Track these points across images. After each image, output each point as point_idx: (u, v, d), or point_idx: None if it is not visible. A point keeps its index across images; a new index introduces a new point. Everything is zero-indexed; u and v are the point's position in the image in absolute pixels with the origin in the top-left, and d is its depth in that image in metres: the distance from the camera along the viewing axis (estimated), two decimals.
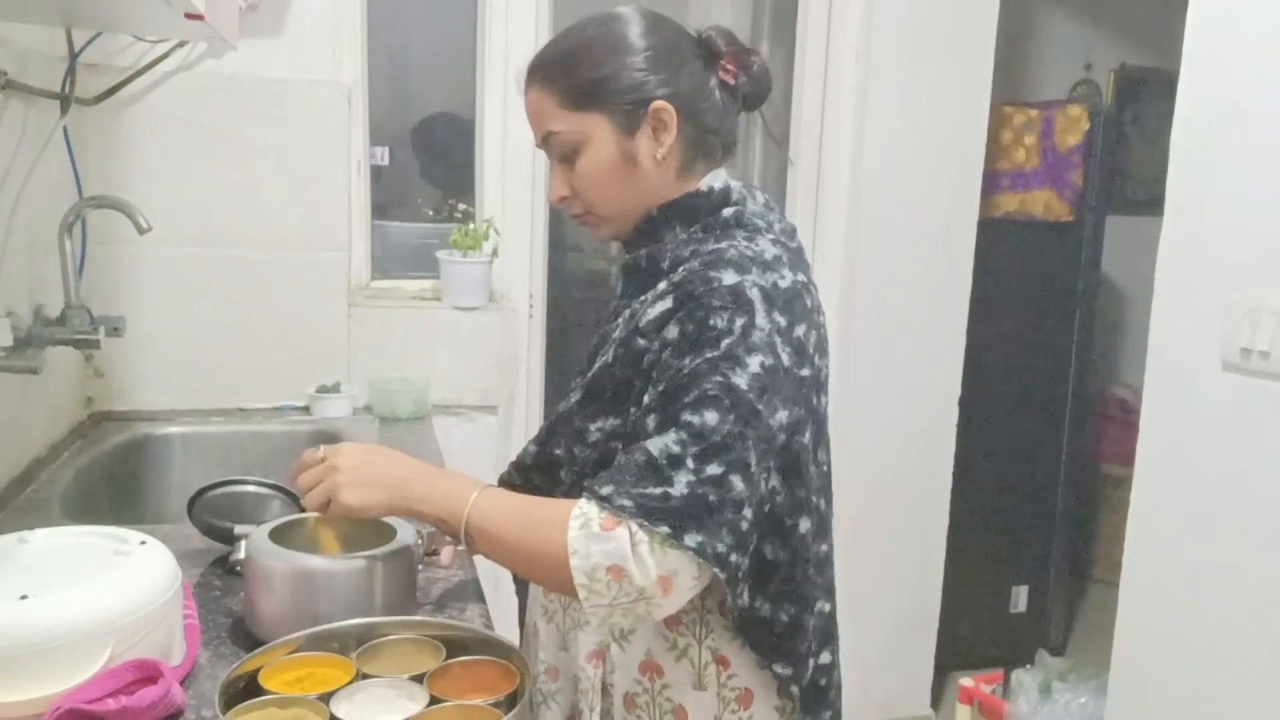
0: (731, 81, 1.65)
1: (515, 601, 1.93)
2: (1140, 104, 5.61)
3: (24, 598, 1.34)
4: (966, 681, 3.65)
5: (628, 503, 1.37)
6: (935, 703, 4.33)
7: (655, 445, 1.40)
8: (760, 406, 1.43)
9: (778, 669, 1.59)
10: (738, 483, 1.40)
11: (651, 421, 1.43)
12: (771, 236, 1.60)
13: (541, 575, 1.53)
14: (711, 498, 1.38)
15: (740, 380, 1.42)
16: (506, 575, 1.80)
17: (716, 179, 1.65)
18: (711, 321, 1.44)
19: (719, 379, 1.41)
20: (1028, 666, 3.52)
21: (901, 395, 3.94)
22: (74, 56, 2.65)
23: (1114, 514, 5.24)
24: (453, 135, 3.55)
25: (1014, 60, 4.97)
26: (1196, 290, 2.31)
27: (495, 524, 1.49)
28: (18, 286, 2.38)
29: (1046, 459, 4.72)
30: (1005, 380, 4.51)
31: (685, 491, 1.37)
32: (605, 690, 1.64)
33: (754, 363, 1.43)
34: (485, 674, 1.44)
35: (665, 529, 1.36)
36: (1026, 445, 4.66)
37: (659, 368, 1.47)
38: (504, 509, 1.51)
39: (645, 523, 1.36)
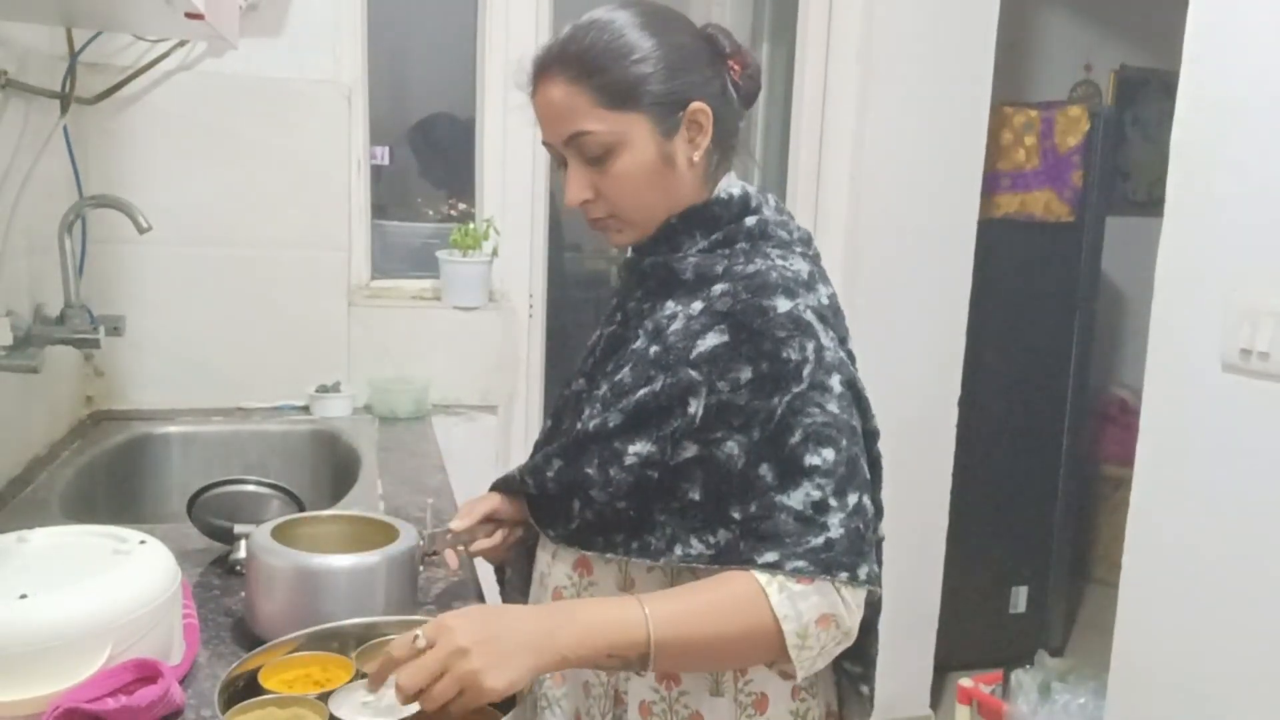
0: (738, 82, 1.64)
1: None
2: (1140, 104, 5.62)
3: (23, 597, 1.34)
4: (966, 682, 3.65)
5: (803, 564, 1.38)
6: (934, 703, 4.33)
7: (796, 499, 1.41)
8: (855, 423, 1.48)
9: (848, 666, 1.63)
10: (867, 502, 1.45)
11: (769, 473, 1.43)
12: (800, 250, 1.61)
13: (746, 656, 1.49)
14: (859, 526, 1.42)
15: (833, 406, 1.45)
16: None
17: (732, 184, 1.64)
18: (785, 354, 1.45)
19: (816, 410, 1.43)
20: (1027, 667, 3.52)
21: (901, 395, 3.93)
22: (74, 56, 2.65)
23: (1114, 514, 5.24)
24: (452, 135, 3.56)
25: (1014, 61, 4.97)
26: (1196, 291, 2.31)
27: (684, 628, 1.36)
28: (17, 286, 2.38)
29: (1046, 459, 4.72)
30: (1005, 380, 4.51)
31: (842, 531, 1.40)
32: (618, 698, 1.63)
33: (835, 383, 1.47)
34: None
35: (845, 574, 1.39)
36: (1026, 445, 4.66)
37: (738, 411, 1.46)
38: (686, 608, 1.39)
39: (828, 576, 1.38)
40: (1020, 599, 4.75)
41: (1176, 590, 2.37)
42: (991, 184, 4.24)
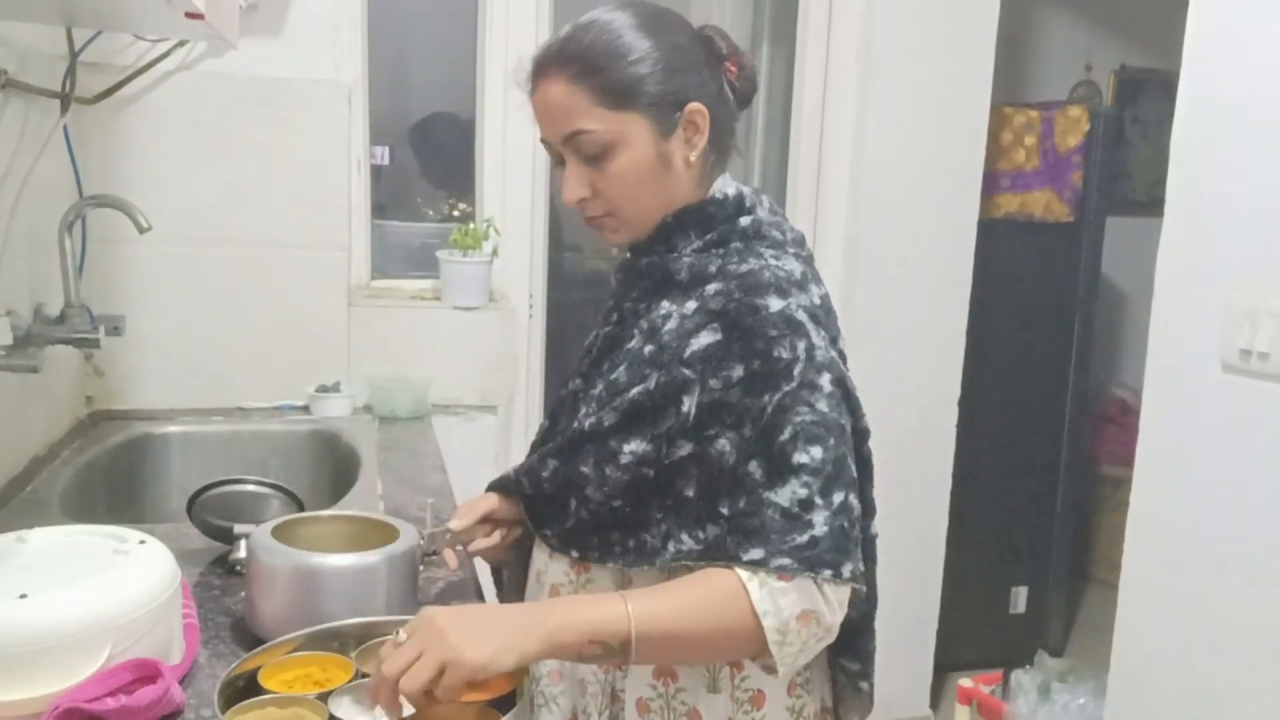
0: (735, 82, 1.64)
1: None
2: (1140, 105, 5.62)
3: (23, 597, 1.34)
4: (966, 682, 3.65)
5: (787, 561, 1.39)
6: (934, 703, 4.32)
7: (782, 496, 1.42)
8: (844, 422, 1.49)
9: (846, 663, 1.65)
10: (854, 500, 1.46)
11: (758, 470, 1.44)
12: (793, 250, 1.62)
13: (726, 651, 1.50)
14: (845, 524, 1.43)
15: (823, 405, 1.46)
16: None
17: (727, 185, 1.65)
18: (776, 353, 1.46)
19: (806, 408, 1.44)
20: (1027, 667, 3.53)
21: (901, 395, 3.93)
22: (74, 55, 2.65)
23: (1113, 515, 5.24)
24: (452, 135, 3.56)
25: (1014, 61, 4.97)
26: (1196, 291, 2.31)
27: (665, 621, 1.39)
28: (18, 285, 2.38)
29: (1046, 459, 4.72)
30: (1005, 381, 4.51)
31: (826, 529, 1.41)
32: (615, 695, 1.63)
33: (825, 382, 1.47)
34: None
35: (828, 572, 1.40)
36: (1026, 446, 4.66)
37: (730, 409, 1.47)
38: (667, 604, 1.41)
39: (811, 573, 1.39)
40: (1020, 599, 4.75)
41: (1176, 590, 2.37)
42: (991, 184, 4.24)
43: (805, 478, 1.41)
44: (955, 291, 4.01)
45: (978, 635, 4.55)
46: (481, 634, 1.29)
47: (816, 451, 1.42)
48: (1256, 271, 2.19)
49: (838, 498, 1.42)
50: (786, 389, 1.44)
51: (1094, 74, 5.51)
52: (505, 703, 1.36)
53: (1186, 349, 2.33)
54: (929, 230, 3.90)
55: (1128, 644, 2.51)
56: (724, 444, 1.46)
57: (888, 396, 3.90)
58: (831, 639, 1.46)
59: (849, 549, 1.42)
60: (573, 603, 1.48)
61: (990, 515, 4.55)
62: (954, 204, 3.94)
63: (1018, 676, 3.51)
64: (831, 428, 1.45)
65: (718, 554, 1.44)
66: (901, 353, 3.92)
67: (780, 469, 1.42)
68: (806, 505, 1.41)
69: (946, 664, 4.30)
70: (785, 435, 1.43)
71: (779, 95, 3.96)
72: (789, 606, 1.39)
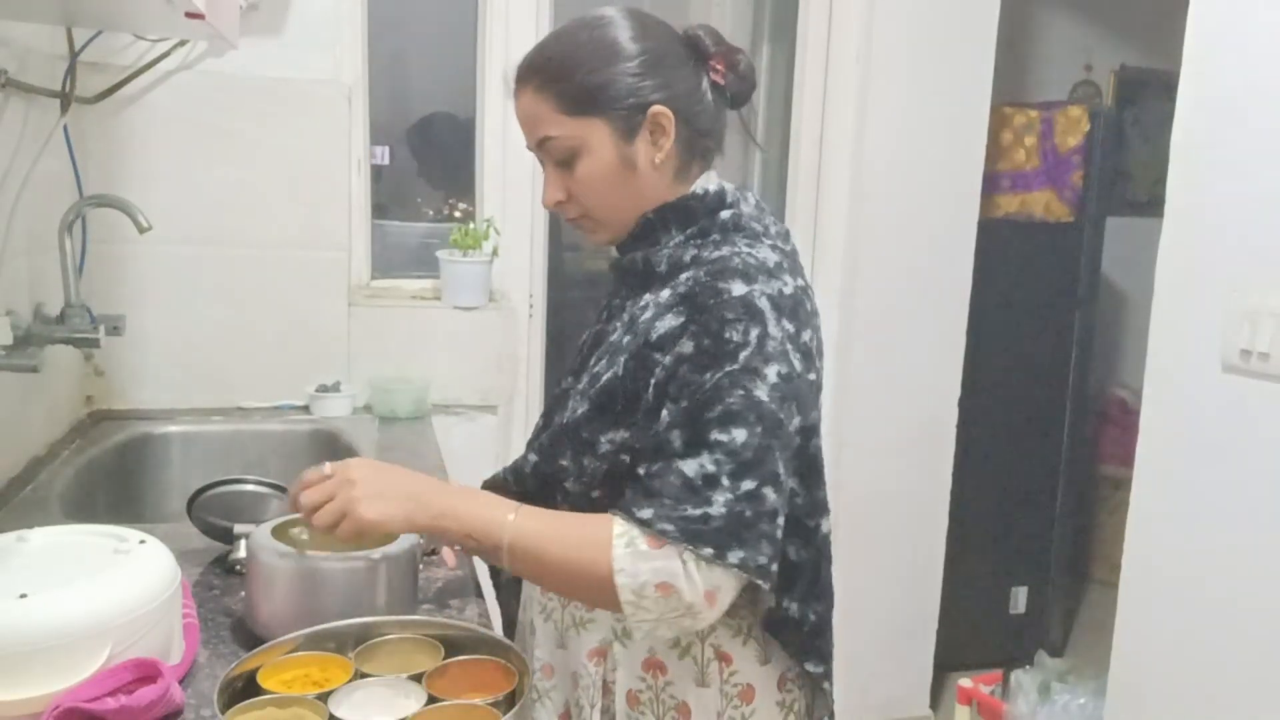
0: (721, 82, 1.65)
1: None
2: (1140, 105, 5.62)
3: (23, 596, 1.34)
4: (965, 682, 3.66)
5: (670, 527, 1.39)
6: (934, 703, 4.33)
7: (690, 467, 1.42)
8: (782, 415, 1.47)
9: (810, 667, 1.65)
10: (770, 494, 1.44)
11: (678, 439, 1.45)
12: (770, 242, 1.62)
13: (584, 592, 1.54)
14: (748, 513, 1.42)
15: (761, 392, 1.44)
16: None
17: (710, 181, 1.67)
18: (727, 335, 1.46)
19: (741, 393, 1.44)
20: (1027, 667, 3.53)
21: (902, 395, 3.95)
22: (74, 55, 2.65)
23: (1113, 515, 5.25)
24: (452, 135, 3.56)
25: (1014, 61, 4.97)
26: (1196, 291, 2.31)
27: (536, 543, 1.47)
28: (18, 285, 2.38)
29: (1046, 460, 4.72)
30: (1005, 381, 4.51)
31: (724, 511, 1.40)
32: (606, 688, 1.66)
33: (772, 373, 1.46)
34: (483, 673, 1.45)
35: (709, 550, 1.39)
36: (1026, 446, 4.65)
37: (675, 382, 1.48)
38: (544, 528, 1.49)
39: (690, 546, 1.39)
40: (1020, 599, 4.74)
41: (1176, 591, 2.38)
42: (992, 184, 4.25)
43: (718, 455, 1.42)
44: (956, 291, 4.01)
45: (978, 635, 4.55)
46: (381, 496, 1.50)
47: (739, 434, 1.42)
48: (1257, 271, 2.19)
49: (747, 485, 1.42)
50: (729, 369, 1.44)
51: (1094, 74, 5.51)
52: (505, 701, 1.37)
53: (1187, 349, 2.33)
54: (929, 230, 3.91)
55: (1127, 644, 2.51)
56: (665, 415, 1.47)
57: (888, 396, 3.93)
58: (700, 624, 1.46)
59: (745, 537, 1.41)
60: (469, 496, 1.57)
61: (990, 515, 4.55)
62: (954, 204, 3.94)
63: (1018, 677, 3.52)
64: (764, 417, 1.44)
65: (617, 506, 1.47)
66: (902, 352, 3.93)
67: (697, 442, 1.43)
68: (710, 482, 1.41)
69: (946, 664, 4.31)
70: (714, 413, 1.43)
71: (779, 95, 3.96)
72: (648, 573, 1.39)
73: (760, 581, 1.44)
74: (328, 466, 1.54)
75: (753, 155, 4.02)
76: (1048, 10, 5.32)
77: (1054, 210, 4.46)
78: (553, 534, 1.48)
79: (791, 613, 1.59)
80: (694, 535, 1.39)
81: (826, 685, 1.68)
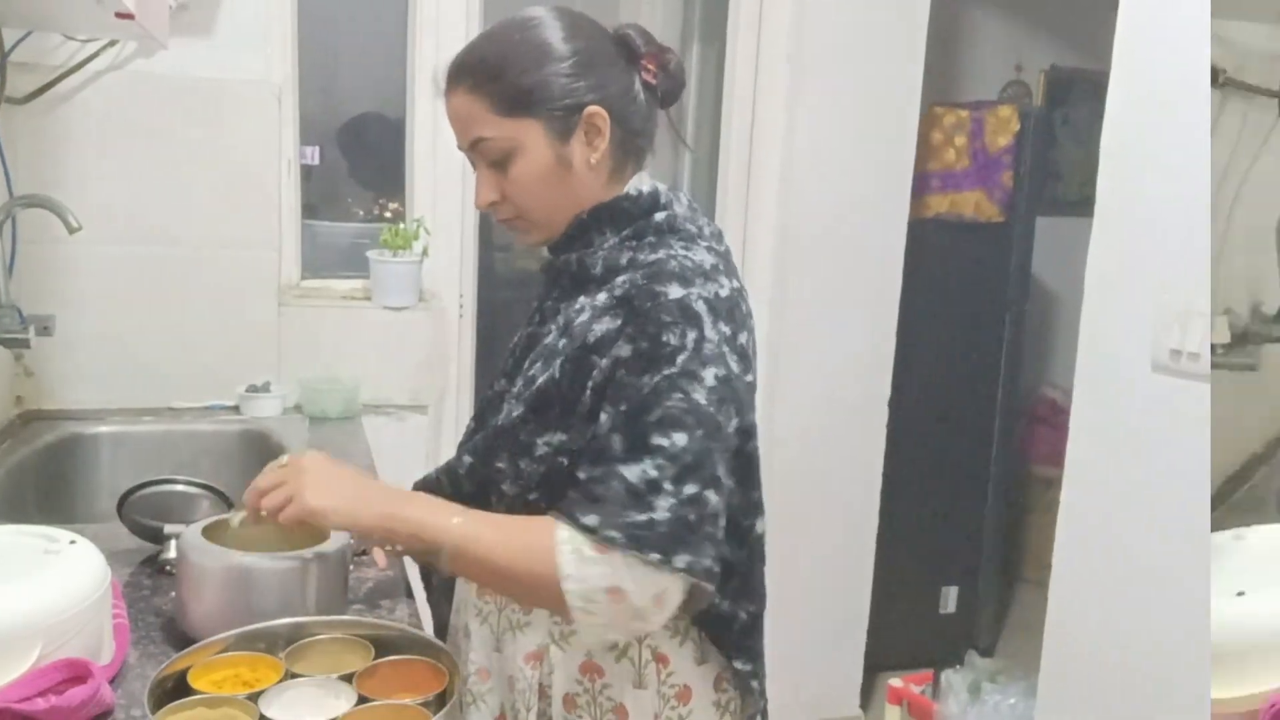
0: (652, 81, 1.65)
1: None
2: (1070, 105, 5.65)
3: None
4: (896, 682, 3.69)
5: (616, 534, 1.40)
6: (865, 703, 4.34)
7: (632, 472, 1.43)
8: (720, 418, 1.48)
9: (739, 665, 1.66)
10: (712, 497, 1.45)
11: (618, 443, 1.45)
12: (705, 244, 1.63)
13: (531, 598, 1.57)
14: (692, 517, 1.43)
15: (700, 396, 1.45)
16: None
17: (643, 182, 1.67)
18: (664, 338, 1.46)
19: (680, 396, 1.44)
20: (957, 667, 3.57)
21: (832, 396, 3.96)
22: (4, 55, 2.64)
23: (1044, 515, 5.25)
24: (382, 135, 3.56)
25: (944, 61, 5.00)
26: (1126, 291, 2.34)
27: (480, 547, 1.49)
28: None
29: (977, 460, 4.73)
30: (935, 381, 4.52)
31: (669, 515, 1.41)
32: (543, 691, 1.65)
33: (709, 375, 1.47)
34: (414, 673, 1.46)
35: (656, 555, 1.40)
36: (957, 446, 4.66)
37: (613, 385, 1.48)
38: (488, 532, 1.51)
39: (637, 551, 1.40)
40: (950, 599, 4.75)
41: (1106, 590, 2.40)
42: (922, 184, 4.27)
43: (660, 460, 1.42)
44: (885, 291, 4.03)
45: (908, 635, 4.53)
46: (330, 490, 1.54)
47: (680, 438, 1.43)
48: (1186, 272, 2.22)
49: (690, 489, 1.43)
50: (667, 372, 1.45)
51: (1024, 74, 5.54)
52: (436, 702, 1.38)
53: (1117, 349, 2.36)
54: (859, 230, 3.93)
55: (1057, 643, 2.53)
56: (604, 418, 1.48)
57: (817, 396, 3.94)
58: (649, 627, 1.48)
59: (689, 541, 1.42)
60: (416, 500, 1.60)
61: (921, 515, 4.55)
62: (884, 203, 3.97)
63: (948, 676, 3.55)
64: (703, 420, 1.45)
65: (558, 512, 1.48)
66: (831, 353, 3.95)
67: (638, 447, 1.44)
68: (653, 487, 1.42)
69: (877, 664, 4.31)
70: (653, 416, 1.44)
71: (709, 94, 3.98)
72: (596, 578, 1.41)
73: (706, 584, 1.45)
74: (287, 457, 1.60)
75: (682, 155, 4.03)
76: (978, 10, 5.34)
77: (984, 210, 4.48)
78: (498, 539, 1.50)
79: (722, 610, 1.59)
80: (640, 541, 1.40)
81: (754, 684, 1.68)
